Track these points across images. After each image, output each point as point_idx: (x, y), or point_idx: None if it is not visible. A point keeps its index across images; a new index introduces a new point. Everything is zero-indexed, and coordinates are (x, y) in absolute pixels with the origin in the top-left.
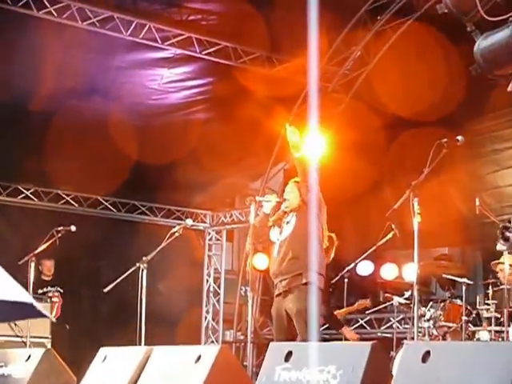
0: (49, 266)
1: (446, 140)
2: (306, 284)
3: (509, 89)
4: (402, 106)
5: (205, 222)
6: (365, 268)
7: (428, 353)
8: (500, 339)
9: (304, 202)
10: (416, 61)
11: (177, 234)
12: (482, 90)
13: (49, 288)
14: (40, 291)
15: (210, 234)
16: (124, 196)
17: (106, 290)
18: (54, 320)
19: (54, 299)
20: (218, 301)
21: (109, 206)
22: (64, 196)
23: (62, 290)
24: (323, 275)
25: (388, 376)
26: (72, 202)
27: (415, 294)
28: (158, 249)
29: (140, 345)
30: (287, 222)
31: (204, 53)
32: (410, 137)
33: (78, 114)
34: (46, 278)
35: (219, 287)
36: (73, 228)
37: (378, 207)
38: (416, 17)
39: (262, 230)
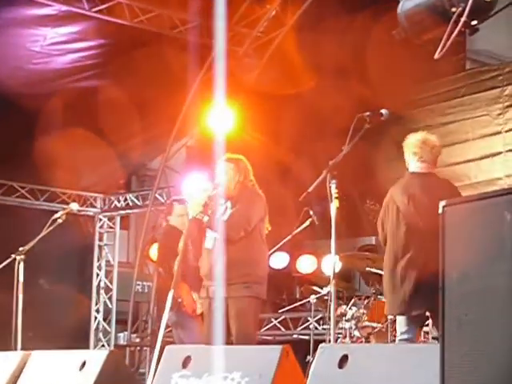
0: None
1: (368, 114)
2: (245, 297)
3: (436, 56)
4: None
5: (95, 207)
6: (279, 260)
7: (346, 357)
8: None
9: (248, 187)
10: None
11: (60, 221)
12: (408, 58)
13: None
14: None
15: (101, 220)
16: None
17: None
18: None
19: None
20: (109, 298)
21: None
22: None
23: None
24: (265, 284)
25: None
26: None
27: (332, 289)
28: (38, 238)
29: (16, 349)
30: (221, 215)
31: (94, 10)
32: (330, 108)
33: None
34: None
35: (111, 282)
36: None
37: (296, 190)
38: None
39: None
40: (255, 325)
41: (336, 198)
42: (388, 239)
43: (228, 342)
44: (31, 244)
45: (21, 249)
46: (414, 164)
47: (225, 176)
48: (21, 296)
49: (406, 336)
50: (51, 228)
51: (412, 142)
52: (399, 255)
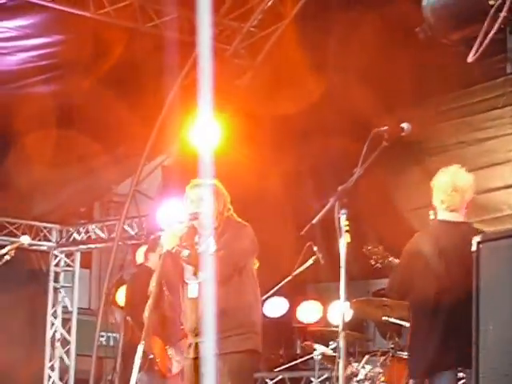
0: None
1: (385, 128)
2: (241, 352)
3: (469, 59)
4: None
5: (49, 241)
6: (275, 307)
7: None
8: None
9: (231, 218)
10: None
11: (7, 258)
12: (435, 60)
13: None
14: None
15: (56, 257)
16: None
17: None
18: None
19: None
20: (67, 352)
21: None
22: None
23: None
24: (261, 334)
25: None
26: None
27: (341, 343)
28: None
29: None
30: (202, 253)
31: None
32: (340, 120)
33: None
34: None
35: (69, 333)
36: None
37: (297, 221)
38: None
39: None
40: None
41: (346, 231)
42: (414, 298)
43: None
44: None
45: None
46: (442, 212)
47: (203, 205)
48: None
49: None
50: None
51: (441, 187)
52: (430, 316)
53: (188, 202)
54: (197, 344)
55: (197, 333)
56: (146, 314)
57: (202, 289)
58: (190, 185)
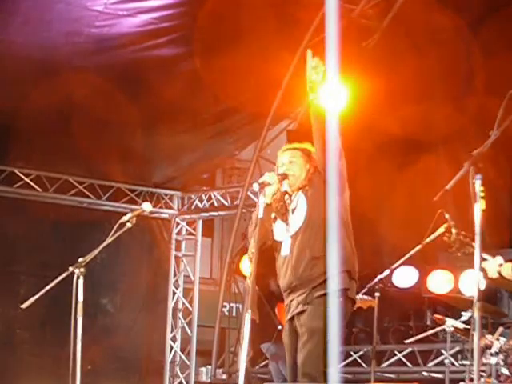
0: None
1: None
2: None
3: None
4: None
5: (171, 208)
6: (405, 277)
7: None
8: None
9: (317, 171)
10: None
11: (128, 225)
12: None
13: None
14: None
15: (178, 224)
16: (51, 169)
17: (24, 305)
18: None
19: None
20: (189, 323)
21: (30, 183)
22: None
23: None
24: (355, 280)
25: None
26: None
27: (476, 315)
28: (101, 247)
29: None
30: (293, 210)
31: None
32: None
33: None
34: None
35: (191, 303)
36: None
37: (427, 185)
38: None
39: (269, 227)
40: None
41: (482, 197)
42: None
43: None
44: (93, 254)
45: (80, 260)
46: None
47: (294, 166)
48: (80, 319)
49: None
50: (117, 234)
51: None
52: None
53: (278, 165)
54: (290, 303)
55: (291, 290)
56: (248, 281)
57: (289, 249)
58: (281, 150)
